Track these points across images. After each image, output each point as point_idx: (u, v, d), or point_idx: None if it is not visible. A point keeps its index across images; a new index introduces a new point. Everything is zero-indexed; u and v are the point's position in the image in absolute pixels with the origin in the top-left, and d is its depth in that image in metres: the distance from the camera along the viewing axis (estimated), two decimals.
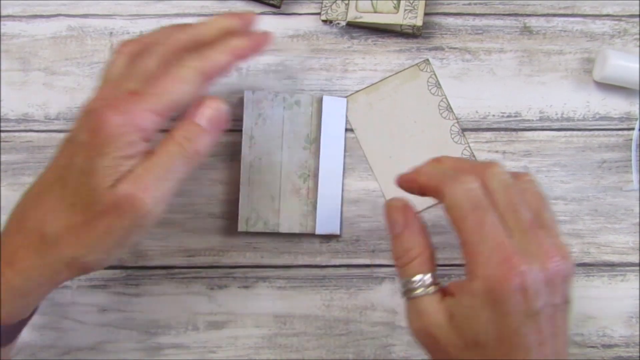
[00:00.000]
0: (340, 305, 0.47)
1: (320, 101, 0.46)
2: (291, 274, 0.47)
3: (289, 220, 0.46)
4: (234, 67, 0.37)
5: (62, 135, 0.47)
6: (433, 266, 0.36)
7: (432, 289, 0.35)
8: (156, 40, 0.37)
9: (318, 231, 0.46)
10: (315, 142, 0.46)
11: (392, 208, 0.37)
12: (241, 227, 0.46)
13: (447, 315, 0.34)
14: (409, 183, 0.38)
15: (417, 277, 0.35)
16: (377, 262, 0.47)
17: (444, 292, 0.35)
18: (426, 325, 0.34)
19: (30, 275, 0.34)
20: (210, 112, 0.35)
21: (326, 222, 0.46)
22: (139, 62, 0.35)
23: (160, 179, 0.34)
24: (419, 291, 0.35)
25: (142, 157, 0.34)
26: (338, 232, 0.47)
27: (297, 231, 0.46)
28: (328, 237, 0.47)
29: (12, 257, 0.34)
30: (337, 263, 0.47)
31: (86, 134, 0.33)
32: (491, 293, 0.32)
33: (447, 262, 0.47)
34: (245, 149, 0.46)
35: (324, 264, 0.47)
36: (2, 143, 0.47)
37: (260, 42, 0.37)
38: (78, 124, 0.35)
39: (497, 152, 0.47)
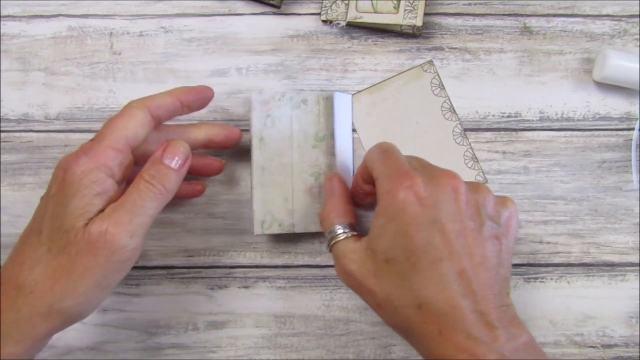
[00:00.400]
0: (340, 305, 0.47)
1: (326, 99, 0.46)
2: (291, 274, 0.47)
3: (304, 220, 0.46)
4: (179, 110, 0.41)
5: (62, 136, 0.48)
6: (350, 219, 0.40)
7: (349, 233, 0.39)
8: None
9: None
10: (324, 139, 0.46)
11: (326, 179, 0.44)
12: (257, 230, 0.45)
13: (362, 248, 0.37)
14: (355, 190, 0.43)
15: (335, 227, 0.40)
16: None
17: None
18: (344, 265, 0.38)
19: (7, 331, 0.34)
20: (175, 152, 0.38)
21: None
22: None
23: (131, 214, 0.35)
24: (338, 237, 0.39)
25: (111, 196, 0.36)
26: None
27: (312, 230, 0.46)
28: None
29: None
30: None
31: (55, 185, 0.36)
32: (391, 206, 0.35)
33: None
34: (255, 152, 0.45)
35: (324, 264, 0.47)
36: (2, 143, 0.47)
37: (203, 91, 0.42)
38: (50, 182, 0.38)
39: (497, 152, 0.47)
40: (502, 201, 0.37)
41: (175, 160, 0.38)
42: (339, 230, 0.39)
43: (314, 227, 0.45)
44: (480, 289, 0.33)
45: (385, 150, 0.39)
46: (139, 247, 0.37)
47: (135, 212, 0.36)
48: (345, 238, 0.39)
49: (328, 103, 0.46)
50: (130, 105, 0.39)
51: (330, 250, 0.40)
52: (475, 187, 0.37)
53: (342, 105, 0.47)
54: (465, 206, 0.35)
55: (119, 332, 0.46)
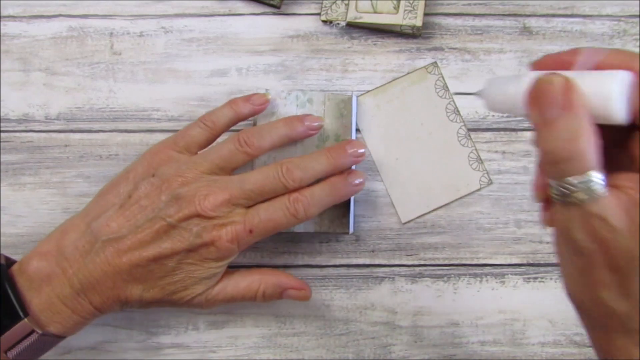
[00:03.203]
0: (340, 305, 0.47)
1: (332, 99, 0.46)
2: (291, 273, 0.47)
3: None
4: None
5: (62, 136, 0.48)
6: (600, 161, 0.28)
7: (605, 187, 0.28)
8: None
9: (331, 229, 0.46)
10: (327, 140, 0.46)
11: (548, 81, 0.28)
12: None
13: (626, 214, 0.27)
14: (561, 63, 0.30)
15: (593, 174, 0.27)
16: (377, 262, 0.47)
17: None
18: (599, 230, 0.28)
19: (107, 312, 0.41)
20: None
21: (337, 220, 0.46)
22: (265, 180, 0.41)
23: None
24: (594, 191, 0.27)
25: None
26: (347, 231, 0.46)
27: (311, 230, 0.45)
28: (328, 237, 0.47)
29: (101, 304, 0.40)
30: (337, 263, 0.47)
31: (199, 240, 0.39)
32: None
33: (446, 262, 0.47)
34: None
35: (323, 264, 0.47)
36: (2, 143, 0.48)
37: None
38: (188, 205, 0.39)
39: (496, 152, 0.47)
40: None
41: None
42: (599, 180, 0.27)
43: (313, 228, 0.45)
44: None
45: None
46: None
47: None
48: (605, 196, 0.27)
49: (334, 104, 0.46)
50: (298, 211, 0.41)
51: (566, 204, 0.28)
52: None
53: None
54: None
55: (119, 332, 0.46)
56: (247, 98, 0.44)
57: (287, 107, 0.46)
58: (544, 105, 0.28)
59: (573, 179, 0.27)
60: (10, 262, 0.40)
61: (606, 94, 0.27)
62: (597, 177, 0.27)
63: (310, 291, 0.44)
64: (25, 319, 0.37)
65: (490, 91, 0.31)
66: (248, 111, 0.44)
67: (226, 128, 0.43)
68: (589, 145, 0.27)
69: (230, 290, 0.42)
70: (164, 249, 0.39)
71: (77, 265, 0.39)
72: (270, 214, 0.40)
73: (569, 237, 0.29)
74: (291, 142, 0.44)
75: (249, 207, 0.41)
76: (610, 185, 0.28)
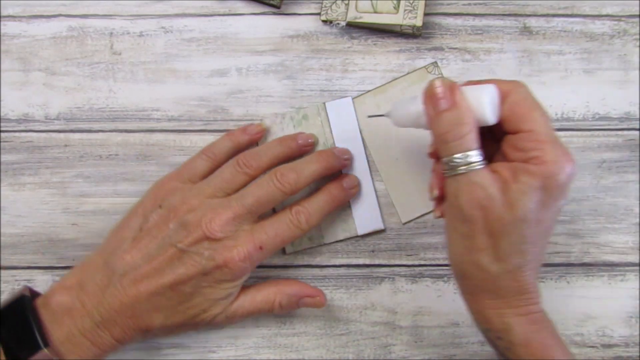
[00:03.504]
0: (340, 305, 0.47)
1: (324, 108, 0.46)
2: (291, 274, 0.47)
3: (331, 229, 0.46)
4: None
5: (62, 136, 0.47)
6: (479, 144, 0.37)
7: (483, 163, 0.36)
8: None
9: (360, 232, 0.46)
10: (333, 146, 0.46)
11: (436, 85, 0.37)
12: (288, 249, 0.46)
13: (500, 189, 0.35)
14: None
15: (473, 152, 0.36)
16: (377, 262, 0.47)
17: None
18: (480, 198, 0.35)
19: (128, 344, 0.42)
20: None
21: (366, 220, 0.46)
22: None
23: None
24: (475, 165, 0.35)
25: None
26: (382, 227, 0.46)
27: (341, 238, 0.46)
28: None
29: (121, 336, 0.41)
30: (337, 263, 0.47)
31: (212, 263, 0.40)
32: (553, 175, 0.35)
33: (447, 262, 0.47)
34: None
35: (323, 264, 0.47)
36: (2, 143, 0.48)
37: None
38: (200, 239, 0.40)
39: None
40: None
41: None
42: (475, 157, 0.35)
43: (342, 235, 0.46)
44: None
45: (544, 110, 0.37)
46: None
47: None
48: (483, 168, 0.36)
49: (327, 112, 0.46)
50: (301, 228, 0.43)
51: (453, 175, 0.36)
52: None
53: (343, 111, 0.47)
54: None
55: None
56: (244, 129, 0.46)
57: (285, 131, 0.46)
58: (435, 100, 0.36)
59: (458, 155, 0.35)
60: (34, 294, 0.42)
61: (480, 100, 0.36)
62: (476, 155, 0.35)
63: (324, 297, 0.44)
64: (45, 349, 0.38)
65: (395, 112, 0.40)
66: (245, 141, 0.46)
67: (227, 158, 0.45)
68: (470, 131, 0.36)
69: (248, 306, 0.43)
70: (179, 275, 0.40)
71: (96, 299, 0.40)
72: (276, 229, 0.42)
73: (457, 205, 0.36)
74: (288, 159, 0.45)
75: (254, 222, 0.42)
76: (491, 170, 0.36)
